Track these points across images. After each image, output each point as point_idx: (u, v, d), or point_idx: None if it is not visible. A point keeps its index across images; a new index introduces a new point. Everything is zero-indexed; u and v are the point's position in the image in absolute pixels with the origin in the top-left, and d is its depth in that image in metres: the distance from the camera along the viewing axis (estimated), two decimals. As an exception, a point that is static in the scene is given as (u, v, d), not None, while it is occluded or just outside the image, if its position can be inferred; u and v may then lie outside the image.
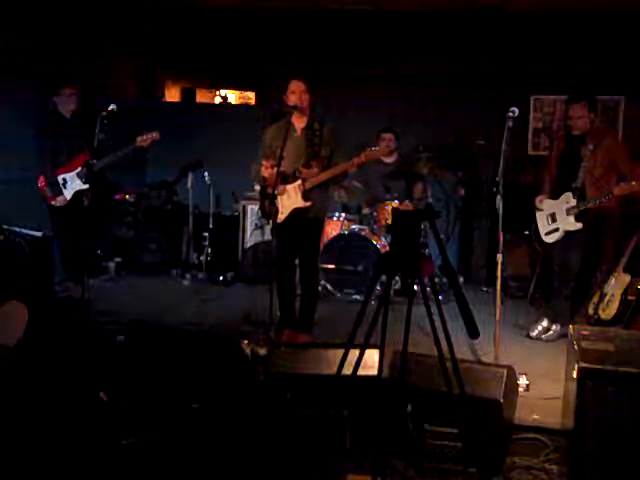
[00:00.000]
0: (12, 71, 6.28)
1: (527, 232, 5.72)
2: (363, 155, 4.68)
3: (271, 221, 4.77)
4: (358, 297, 6.11)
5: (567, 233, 4.98)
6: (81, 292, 5.17)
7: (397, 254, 2.79)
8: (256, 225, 7.04)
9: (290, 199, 4.72)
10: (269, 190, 4.76)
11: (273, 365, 3.76)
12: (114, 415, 3.54)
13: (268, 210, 4.83)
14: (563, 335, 4.89)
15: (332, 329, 5.10)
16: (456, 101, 7.39)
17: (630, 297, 5.04)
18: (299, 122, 4.78)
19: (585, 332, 3.36)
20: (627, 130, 7.12)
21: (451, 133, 7.32)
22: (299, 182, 4.70)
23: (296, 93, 4.68)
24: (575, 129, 4.99)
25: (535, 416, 3.65)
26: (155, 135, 5.82)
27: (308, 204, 4.70)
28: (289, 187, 4.71)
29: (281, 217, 4.70)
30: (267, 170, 4.71)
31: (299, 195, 4.71)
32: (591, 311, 5.09)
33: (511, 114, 4.31)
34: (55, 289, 5.95)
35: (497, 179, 4.36)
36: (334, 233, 6.34)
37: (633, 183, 4.66)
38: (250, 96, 8.73)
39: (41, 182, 6.03)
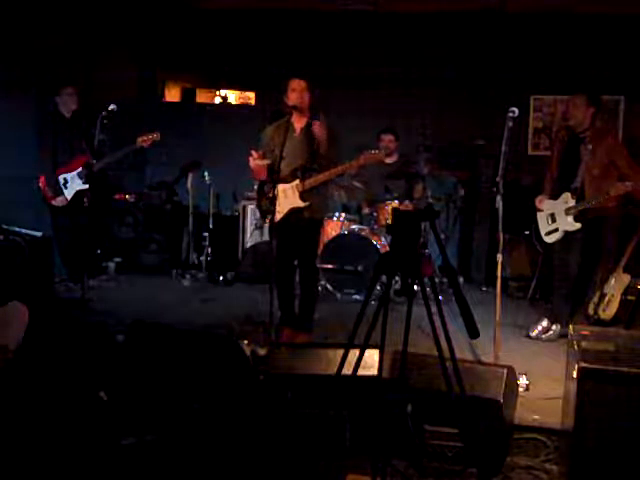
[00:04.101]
0: (13, 71, 6.28)
1: (527, 232, 5.72)
2: (362, 158, 4.68)
3: (268, 220, 4.78)
4: (358, 297, 6.11)
5: (566, 233, 4.99)
6: (81, 292, 5.17)
7: (397, 254, 2.79)
8: (256, 225, 7.04)
9: (287, 198, 4.71)
10: (266, 188, 4.78)
11: (273, 365, 3.76)
12: (114, 415, 3.54)
13: (265, 208, 4.84)
14: (563, 335, 4.89)
15: (332, 329, 5.09)
16: (456, 101, 7.39)
17: (630, 297, 5.04)
18: (298, 122, 4.78)
19: (585, 332, 3.35)
20: (627, 130, 7.13)
21: (451, 133, 7.32)
22: (297, 182, 4.70)
23: (297, 91, 4.67)
24: (571, 119, 4.99)
25: (535, 416, 3.65)
26: (155, 135, 5.82)
27: (305, 204, 4.70)
28: (287, 186, 4.71)
29: (278, 216, 4.69)
30: (254, 161, 4.71)
31: (296, 195, 4.70)
32: (591, 311, 5.09)
33: (511, 114, 4.30)
34: (55, 289, 5.96)
35: (497, 179, 4.36)
36: (334, 233, 6.35)
37: (628, 184, 4.66)
38: (250, 96, 8.72)
39: (42, 182, 6.03)
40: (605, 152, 4.89)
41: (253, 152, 4.74)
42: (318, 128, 4.60)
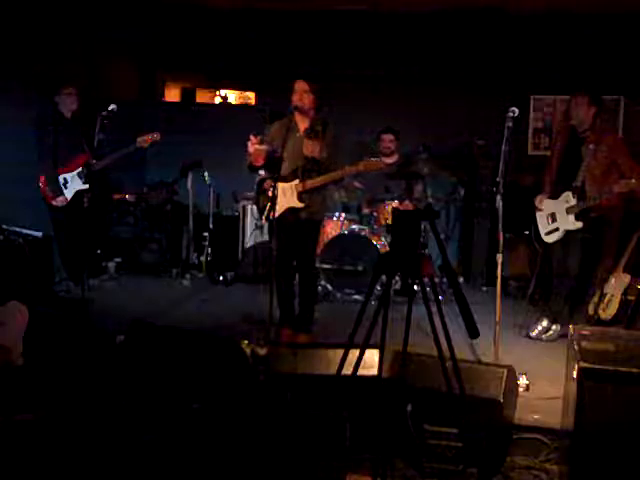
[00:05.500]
0: (13, 71, 6.28)
1: (527, 232, 5.72)
2: (361, 165, 4.70)
3: (264, 217, 4.78)
4: (358, 297, 6.10)
5: (567, 232, 4.99)
6: (81, 292, 5.17)
7: (397, 254, 2.79)
8: (256, 225, 7.05)
9: (285, 197, 4.72)
10: (265, 186, 4.78)
11: (273, 365, 3.76)
12: (113, 415, 3.54)
13: (262, 206, 4.85)
14: (563, 335, 4.89)
15: (332, 329, 5.10)
16: (456, 101, 7.39)
17: (630, 297, 5.04)
18: (302, 123, 4.78)
19: (585, 332, 3.35)
20: (627, 130, 7.13)
21: (451, 133, 7.33)
22: (296, 182, 4.71)
23: (298, 92, 4.68)
24: (573, 118, 5.00)
25: (535, 416, 3.65)
26: (155, 136, 5.82)
27: (301, 205, 4.71)
28: (286, 185, 4.71)
29: (275, 214, 4.69)
30: (252, 146, 4.71)
31: (295, 195, 4.71)
32: (591, 311, 5.08)
33: (511, 114, 4.30)
34: (55, 289, 5.96)
35: (497, 179, 4.36)
36: (334, 233, 6.34)
37: (633, 180, 4.66)
38: (250, 96, 8.73)
39: (42, 182, 6.03)
40: (607, 152, 4.89)
41: (252, 137, 4.73)
42: (309, 147, 4.64)
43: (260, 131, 5.00)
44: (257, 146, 4.70)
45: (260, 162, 4.75)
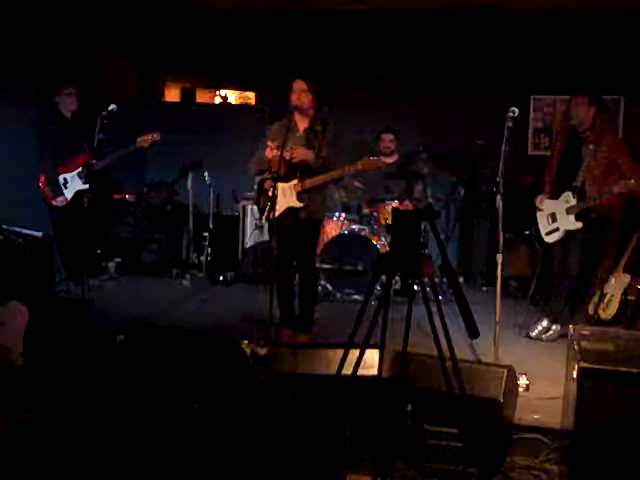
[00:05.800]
0: (13, 71, 6.29)
1: (527, 232, 5.72)
2: (360, 164, 4.69)
3: (265, 217, 4.79)
4: (358, 297, 6.10)
5: (567, 233, 4.99)
6: (81, 292, 5.18)
7: (397, 254, 2.79)
8: (256, 225, 7.05)
9: (285, 197, 4.73)
10: (265, 186, 4.78)
11: (273, 365, 3.76)
12: (113, 415, 3.54)
13: (262, 206, 4.85)
14: (563, 335, 4.89)
15: (332, 329, 5.10)
16: (456, 101, 7.39)
17: (630, 297, 5.04)
18: (301, 122, 4.78)
19: (585, 332, 3.35)
20: (627, 130, 7.13)
21: (451, 133, 7.33)
22: (295, 181, 4.71)
23: (296, 92, 4.68)
24: (573, 118, 5.00)
25: (535, 416, 3.65)
26: (156, 136, 5.83)
27: (301, 205, 4.71)
28: (285, 185, 4.71)
29: (275, 214, 4.68)
30: (271, 151, 4.69)
31: (294, 195, 4.72)
32: (591, 311, 5.08)
33: (511, 114, 4.30)
34: (55, 289, 5.96)
35: (497, 179, 4.36)
36: (334, 233, 6.35)
37: (632, 181, 4.66)
38: (250, 96, 8.73)
39: (42, 182, 6.03)
40: (607, 152, 4.89)
41: (270, 143, 4.72)
42: (300, 153, 4.63)
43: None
44: (276, 152, 4.69)
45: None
